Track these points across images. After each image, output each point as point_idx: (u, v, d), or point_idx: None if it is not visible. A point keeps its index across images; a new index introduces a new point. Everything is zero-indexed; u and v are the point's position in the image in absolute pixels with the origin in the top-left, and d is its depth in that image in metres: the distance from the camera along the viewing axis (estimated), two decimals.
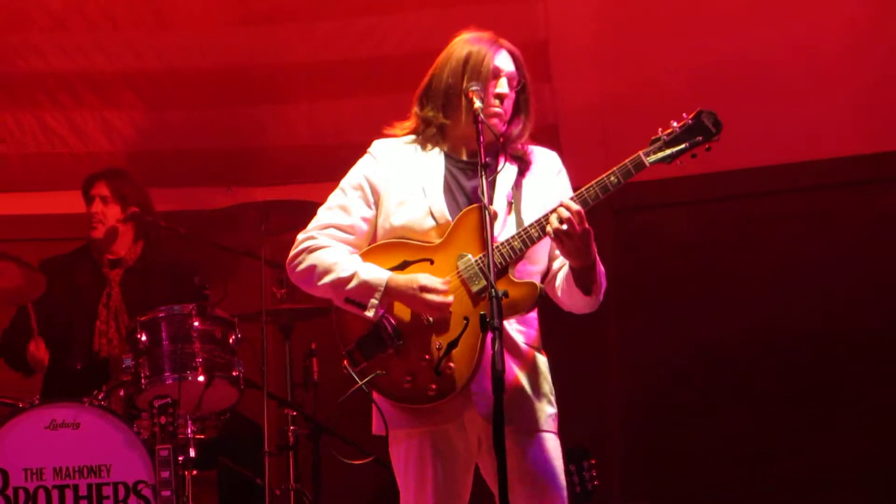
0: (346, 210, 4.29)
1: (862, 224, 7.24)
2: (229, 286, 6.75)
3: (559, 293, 4.24)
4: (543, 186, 4.27)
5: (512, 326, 4.18)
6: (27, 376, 6.74)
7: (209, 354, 6.02)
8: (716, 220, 7.51)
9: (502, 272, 4.09)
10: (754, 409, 7.25)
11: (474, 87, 4.18)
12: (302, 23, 7.72)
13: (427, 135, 4.32)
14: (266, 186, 7.67)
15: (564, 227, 4.01)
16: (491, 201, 4.09)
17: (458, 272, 4.14)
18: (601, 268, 4.17)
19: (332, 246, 4.25)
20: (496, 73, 4.25)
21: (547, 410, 4.21)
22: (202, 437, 6.06)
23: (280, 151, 7.81)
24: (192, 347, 6.00)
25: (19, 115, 7.74)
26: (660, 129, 4.13)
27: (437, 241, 4.19)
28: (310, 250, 4.26)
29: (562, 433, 4.26)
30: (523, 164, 4.30)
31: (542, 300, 4.15)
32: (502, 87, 4.25)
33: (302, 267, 4.26)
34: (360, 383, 4.16)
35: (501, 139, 4.24)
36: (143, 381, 5.96)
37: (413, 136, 4.35)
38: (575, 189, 4.23)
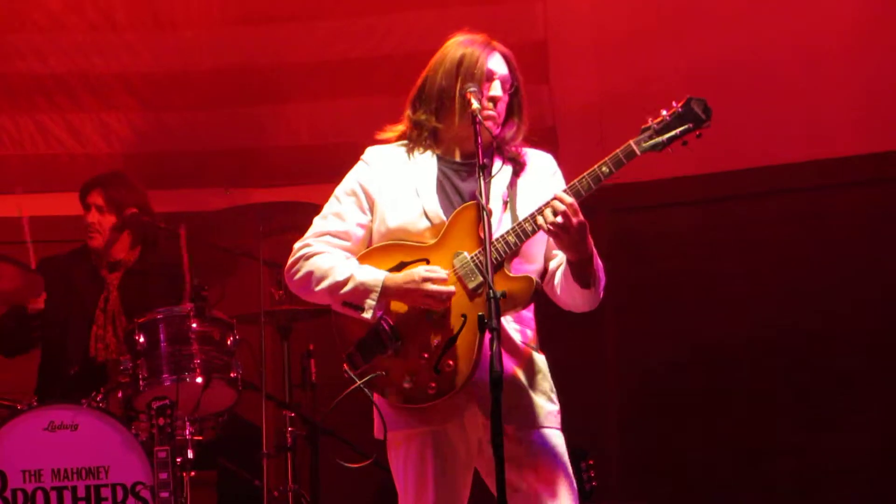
0: (341, 217, 4.30)
1: (862, 224, 7.23)
2: (227, 287, 6.75)
3: (558, 291, 4.24)
4: (539, 187, 4.26)
5: (510, 326, 4.18)
6: (9, 356, 6.73)
7: (207, 356, 6.03)
8: (715, 220, 7.50)
9: (498, 268, 4.09)
10: (753, 408, 7.25)
11: (472, 89, 4.18)
12: (301, 23, 7.72)
13: (419, 138, 4.32)
14: (264, 188, 7.67)
15: (559, 219, 4.00)
16: (487, 201, 4.09)
17: (455, 270, 4.14)
18: (599, 262, 4.16)
19: (328, 252, 4.25)
20: (489, 76, 4.24)
21: (548, 407, 4.21)
22: (200, 438, 6.06)
23: (279, 152, 7.80)
24: (191, 349, 6.01)
25: (17, 116, 7.74)
26: (650, 118, 4.14)
27: (432, 241, 4.19)
28: (306, 257, 4.27)
29: (563, 429, 4.25)
30: (518, 166, 4.30)
31: (538, 295, 4.14)
32: (496, 90, 4.24)
33: (299, 275, 4.27)
34: (359, 384, 4.15)
35: (495, 143, 4.23)
36: (141, 382, 5.96)
37: (405, 141, 4.36)
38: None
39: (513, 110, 4.31)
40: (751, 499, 7.26)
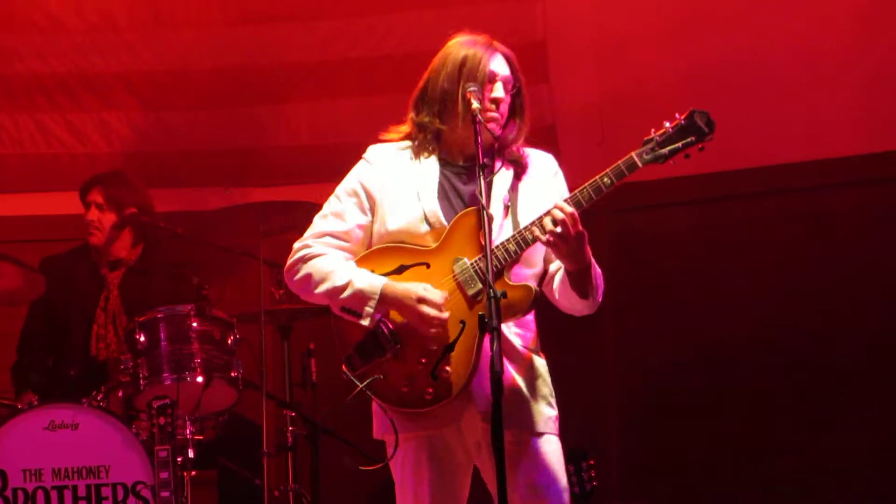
0: (342, 217, 4.29)
1: (862, 224, 7.23)
2: (228, 287, 6.75)
3: (556, 296, 4.24)
4: (540, 189, 4.26)
5: (510, 330, 4.17)
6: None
7: (208, 355, 6.03)
8: (715, 220, 7.50)
9: (498, 275, 4.08)
10: (753, 408, 7.25)
11: (472, 88, 4.18)
12: (301, 23, 7.72)
13: (422, 140, 4.31)
14: (264, 187, 7.67)
15: (558, 229, 4.00)
16: (488, 205, 4.09)
17: (454, 276, 4.14)
18: (597, 270, 4.16)
19: (327, 254, 4.25)
20: (492, 78, 4.24)
21: (546, 413, 4.21)
22: (201, 437, 6.06)
23: (279, 152, 7.80)
24: (191, 348, 6.02)
25: (17, 116, 7.74)
26: (652, 130, 4.14)
27: (433, 245, 4.19)
28: (305, 259, 4.27)
29: (560, 434, 4.26)
30: (519, 168, 4.29)
31: (537, 303, 4.15)
32: (498, 91, 4.24)
33: (299, 276, 4.27)
34: (361, 386, 4.15)
35: (496, 144, 4.23)
36: (141, 381, 5.96)
37: (408, 142, 4.35)
38: (571, 190, 4.23)
39: (514, 111, 4.30)
40: (751, 499, 7.26)
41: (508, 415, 3.87)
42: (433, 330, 4.09)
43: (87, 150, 7.75)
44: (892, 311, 7.12)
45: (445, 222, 4.19)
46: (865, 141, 7.25)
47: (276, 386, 6.67)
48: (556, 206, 4.03)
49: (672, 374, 7.35)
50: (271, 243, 6.48)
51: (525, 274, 4.20)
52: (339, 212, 4.30)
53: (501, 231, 4.17)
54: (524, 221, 4.15)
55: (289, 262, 4.31)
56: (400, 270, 4.17)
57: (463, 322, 4.09)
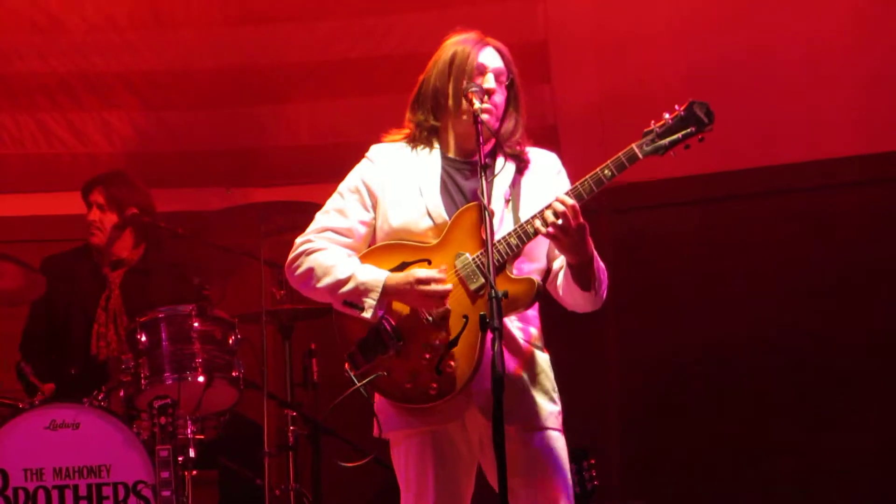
0: (343, 213, 4.30)
1: (862, 224, 7.23)
2: (229, 287, 6.75)
3: (560, 292, 4.24)
4: (542, 186, 4.26)
5: (513, 324, 4.17)
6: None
7: (209, 355, 6.03)
8: (716, 220, 7.50)
9: (500, 269, 4.08)
10: (753, 408, 7.25)
11: (473, 88, 4.18)
12: (301, 23, 7.73)
13: (421, 138, 4.32)
14: (265, 187, 7.67)
15: (560, 221, 4.00)
16: (489, 201, 4.09)
17: (456, 271, 4.14)
18: (600, 264, 4.16)
19: (329, 248, 4.25)
20: (481, 70, 4.24)
21: (549, 408, 4.20)
22: (202, 437, 6.06)
23: (279, 152, 7.81)
24: (192, 348, 6.02)
25: (18, 116, 7.75)
26: (652, 122, 4.14)
27: (435, 241, 4.19)
28: (307, 253, 4.27)
29: (564, 429, 4.26)
30: (521, 164, 4.29)
31: (540, 296, 4.15)
32: (489, 82, 4.23)
33: (300, 271, 4.27)
34: (360, 384, 4.15)
35: (496, 140, 4.23)
36: (142, 381, 5.97)
37: (409, 141, 4.35)
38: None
39: (509, 103, 4.30)
40: (751, 498, 7.27)
41: (511, 411, 3.86)
42: (441, 304, 4.08)
43: (88, 150, 7.76)
44: (892, 311, 7.12)
45: (447, 217, 4.19)
46: (865, 141, 7.26)
47: (278, 386, 6.67)
48: (557, 199, 4.03)
49: (673, 373, 7.35)
50: (272, 243, 6.49)
51: (529, 269, 4.19)
52: (341, 208, 4.31)
53: (502, 226, 4.17)
54: (525, 217, 4.14)
55: (290, 256, 4.31)
56: (401, 267, 4.17)
57: (466, 317, 4.09)
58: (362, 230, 4.30)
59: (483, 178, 4.03)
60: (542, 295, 4.15)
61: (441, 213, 4.21)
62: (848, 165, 7.28)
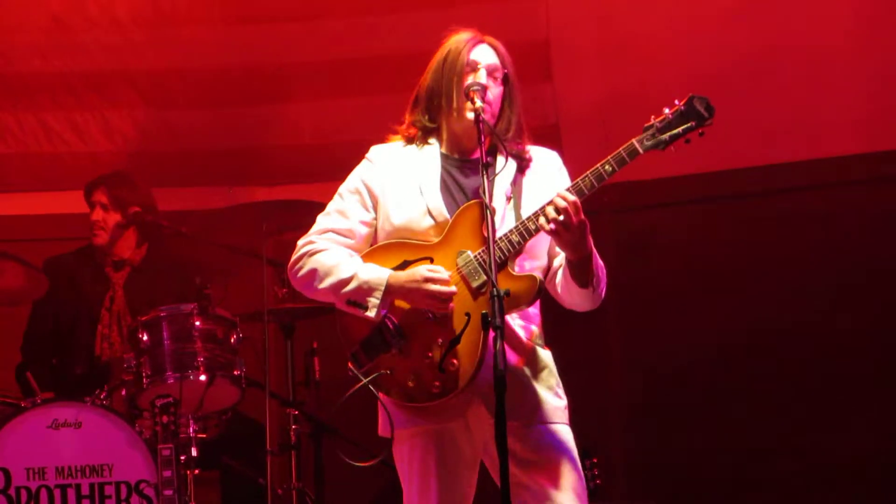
0: (344, 214, 4.31)
1: (863, 224, 7.24)
2: (231, 286, 6.76)
3: (559, 290, 4.24)
4: (543, 184, 4.27)
5: (514, 322, 4.18)
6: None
7: (211, 354, 6.02)
8: (717, 220, 7.50)
9: (502, 266, 4.09)
10: (757, 408, 7.25)
11: (475, 87, 4.19)
12: (304, 22, 7.73)
13: (420, 138, 4.34)
14: (268, 186, 7.68)
15: (561, 217, 4.01)
16: (490, 198, 4.10)
17: (458, 268, 4.14)
18: (599, 262, 4.17)
19: (331, 249, 4.26)
20: (473, 66, 4.24)
21: (554, 403, 4.21)
22: (204, 436, 6.06)
23: (282, 151, 7.81)
24: (194, 347, 6.01)
25: (20, 115, 7.75)
26: (652, 117, 4.14)
27: (436, 239, 4.20)
28: (309, 254, 4.28)
29: (572, 423, 4.26)
30: (522, 162, 4.30)
31: (541, 294, 4.15)
32: (480, 78, 4.23)
33: (303, 272, 4.28)
34: (364, 381, 4.16)
35: (494, 137, 4.21)
36: (144, 380, 5.96)
37: (408, 141, 4.36)
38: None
39: (505, 100, 4.29)
40: (755, 498, 7.27)
41: (515, 407, 3.88)
42: (444, 306, 4.09)
43: (91, 149, 7.76)
44: (892, 309, 7.13)
45: (448, 216, 4.20)
46: (866, 140, 7.26)
47: (280, 385, 6.68)
48: (558, 195, 4.04)
49: (676, 373, 7.35)
50: (274, 242, 6.50)
51: (530, 266, 4.20)
52: (341, 209, 4.32)
53: (504, 223, 4.18)
54: (526, 213, 4.15)
55: (292, 259, 4.32)
56: (403, 266, 4.17)
57: (468, 314, 4.10)
58: (363, 230, 4.31)
59: (484, 175, 4.04)
60: (543, 292, 4.16)
61: (442, 212, 4.21)
62: (849, 164, 7.29)
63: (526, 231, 4.11)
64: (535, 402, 4.18)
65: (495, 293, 3.83)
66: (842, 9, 7.26)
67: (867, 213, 7.24)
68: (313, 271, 4.25)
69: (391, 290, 4.14)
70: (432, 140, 4.33)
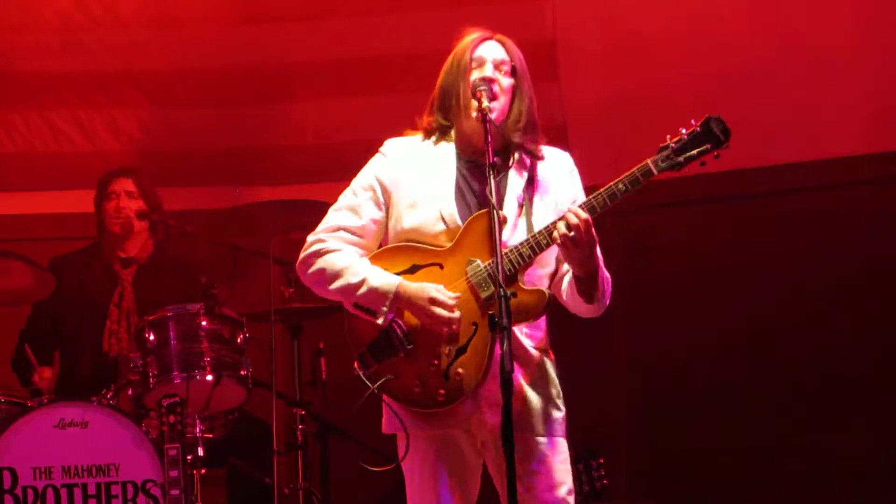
0: (356, 212, 4.30)
1: (864, 224, 7.23)
2: (237, 286, 6.75)
3: (564, 296, 4.26)
4: (555, 186, 4.27)
5: (521, 331, 4.19)
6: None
7: (217, 354, 6.02)
8: (718, 220, 7.50)
9: (512, 279, 4.09)
10: (757, 407, 7.25)
11: (482, 88, 4.18)
12: (309, 22, 7.73)
13: (436, 137, 4.33)
14: (273, 186, 7.67)
15: (572, 234, 4.01)
16: (501, 204, 4.09)
17: (467, 278, 4.14)
18: (605, 274, 4.18)
19: (341, 249, 4.25)
20: (480, 62, 4.25)
21: (553, 415, 4.23)
22: (210, 436, 6.06)
23: (287, 151, 7.81)
24: (201, 347, 6.01)
25: (27, 114, 7.76)
26: (668, 137, 4.13)
27: (448, 244, 4.19)
28: (319, 254, 4.27)
29: (569, 433, 4.27)
30: (534, 166, 4.29)
31: (550, 307, 4.15)
32: (487, 71, 4.23)
33: (312, 270, 4.28)
34: (373, 388, 4.16)
35: (505, 137, 4.20)
36: (151, 380, 5.95)
37: (425, 137, 4.35)
38: (584, 190, 4.23)
39: (514, 93, 4.29)
40: (755, 498, 7.27)
41: (516, 418, 3.87)
42: (444, 329, 4.10)
43: (97, 149, 7.77)
44: (893, 311, 7.12)
45: (461, 223, 4.19)
46: (867, 140, 7.26)
47: (286, 385, 6.69)
48: (570, 211, 4.04)
49: (680, 374, 7.35)
50: (280, 242, 6.50)
51: (539, 274, 4.21)
52: (353, 206, 4.31)
53: (515, 229, 4.18)
54: (538, 219, 4.16)
55: (302, 255, 4.31)
56: (413, 270, 4.18)
57: (475, 324, 4.11)
58: (374, 228, 4.30)
59: (492, 177, 4.03)
60: (552, 306, 4.16)
61: (455, 219, 4.20)
62: (849, 165, 7.29)
63: (537, 245, 4.11)
64: (535, 415, 4.20)
65: (502, 293, 3.83)
66: (844, 9, 7.26)
67: (867, 213, 7.25)
68: (322, 272, 4.25)
69: (399, 299, 4.15)
70: (448, 140, 4.32)
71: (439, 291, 4.11)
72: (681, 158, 4.10)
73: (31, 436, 5.84)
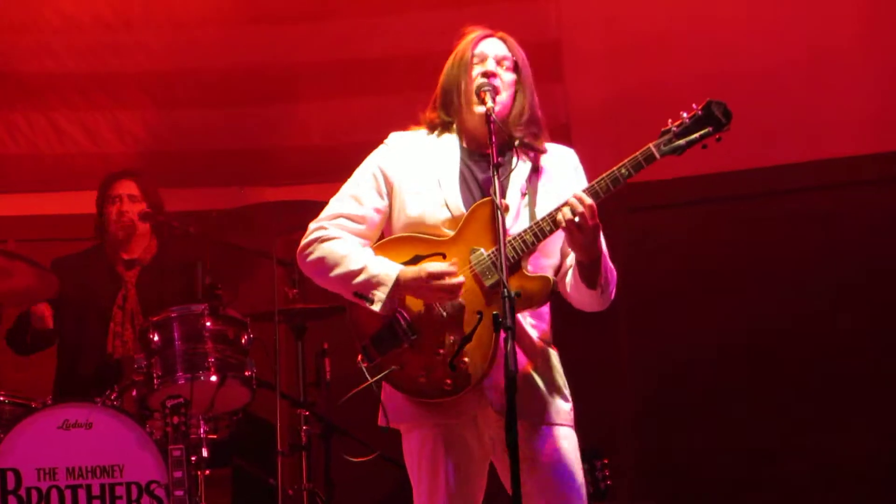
0: (358, 200, 4.29)
1: (866, 224, 7.23)
2: (241, 286, 6.76)
3: (569, 289, 4.24)
4: (559, 181, 4.27)
5: (526, 321, 4.18)
6: (27, 354, 6.74)
7: (221, 354, 6.02)
8: (719, 220, 7.50)
9: (515, 266, 4.09)
10: (757, 408, 7.26)
11: (486, 88, 4.19)
12: (313, 23, 7.74)
13: (440, 130, 4.33)
14: (277, 186, 7.68)
15: (576, 219, 4.00)
16: (504, 194, 4.09)
17: (471, 266, 4.14)
18: (609, 264, 4.17)
19: (342, 237, 4.24)
20: (481, 58, 4.26)
21: (560, 404, 4.22)
22: (215, 436, 6.06)
23: (292, 151, 7.81)
24: (205, 347, 6.00)
25: (30, 115, 7.76)
26: (669, 121, 4.12)
27: (450, 233, 4.18)
28: (320, 241, 4.26)
29: (576, 426, 4.26)
30: (538, 159, 4.29)
31: (554, 294, 4.15)
32: (488, 65, 4.24)
33: (312, 258, 4.26)
34: (373, 380, 4.15)
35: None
36: (155, 381, 5.95)
37: (429, 131, 4.36)
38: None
39: (517, 88, 4.29)
40: (755, 498, 7.27)
41: (523, 406, 3.86)
42: (449, 297, 4.08)
43: (101, 150, 7.77)
44: (893, 311, 7.12)
45: (464, 210, 4.19)
46: (867, 141, 7.27)
47: (290, 385, 6.69)
48: (574, 196, 4.04)
49: (683, 373, 7.35)
50: (284, 242, 6.49)
51: (543, 265, 4.21)
52: (356, 194, 4.30)
53: (518, 220, 4.18)
54: (541, 211, 4.15)
55: (302, 242, 4.30)
56: (415, 261, 4.16)
57: (480, 313, 4.10)
58: (376, 217, 4.29)
59: (496, 177, 4.03)
60: (555, 293, 4.16)
61: (459, 206, 4.20)
62: (850, 165, 7.30)
63: (540, 231, 4.10)
64: (542, 404, 4.18)
65: (506, 294, 3.83)
66: (845, 9, 7.26)
67: (867, 213, 7.26)
68: (322, 259, 4.23)
69: (400, 286, 4.13)
70: (451, 132, 4.33)
71: (436, 264, 4.10)
72: (682, 142, 4.09)
73: (35, 437, 5.84)
